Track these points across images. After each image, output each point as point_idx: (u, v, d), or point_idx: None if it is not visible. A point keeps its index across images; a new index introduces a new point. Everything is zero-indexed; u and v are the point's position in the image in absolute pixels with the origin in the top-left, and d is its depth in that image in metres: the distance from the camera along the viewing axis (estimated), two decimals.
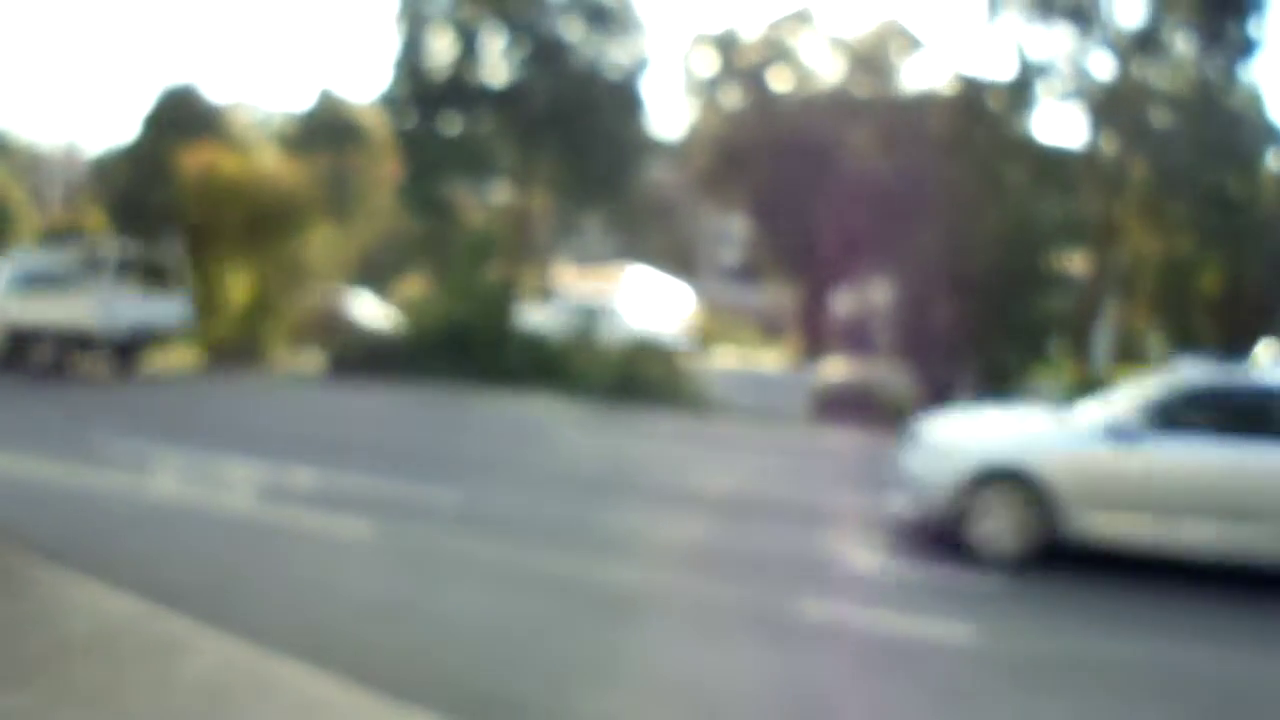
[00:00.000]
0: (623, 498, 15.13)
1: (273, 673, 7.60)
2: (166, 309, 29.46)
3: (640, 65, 40.14)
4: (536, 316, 34.60)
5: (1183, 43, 29.29)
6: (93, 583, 9.12)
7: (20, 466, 14.54)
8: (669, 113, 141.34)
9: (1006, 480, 12.51)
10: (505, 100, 38.47)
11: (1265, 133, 46.82)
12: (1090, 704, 8.32)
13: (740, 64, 55.92)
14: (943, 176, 37.82)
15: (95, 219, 52.49)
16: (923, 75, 53.91)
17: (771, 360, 46.19)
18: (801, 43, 56.24)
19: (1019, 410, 15.83)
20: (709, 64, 56.35)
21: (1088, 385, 24.38)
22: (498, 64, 39.02)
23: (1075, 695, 8.45)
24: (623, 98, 37.89)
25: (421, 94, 38.17)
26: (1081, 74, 29.85)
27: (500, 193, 44.42)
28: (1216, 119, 29.96)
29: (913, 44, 54.26)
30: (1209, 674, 9.14)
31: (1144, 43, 28.94)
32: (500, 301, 33.79)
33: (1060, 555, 12.14)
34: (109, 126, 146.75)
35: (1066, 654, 9.32)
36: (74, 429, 18.55)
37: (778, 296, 64.68)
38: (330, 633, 8.62)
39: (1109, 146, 30.85)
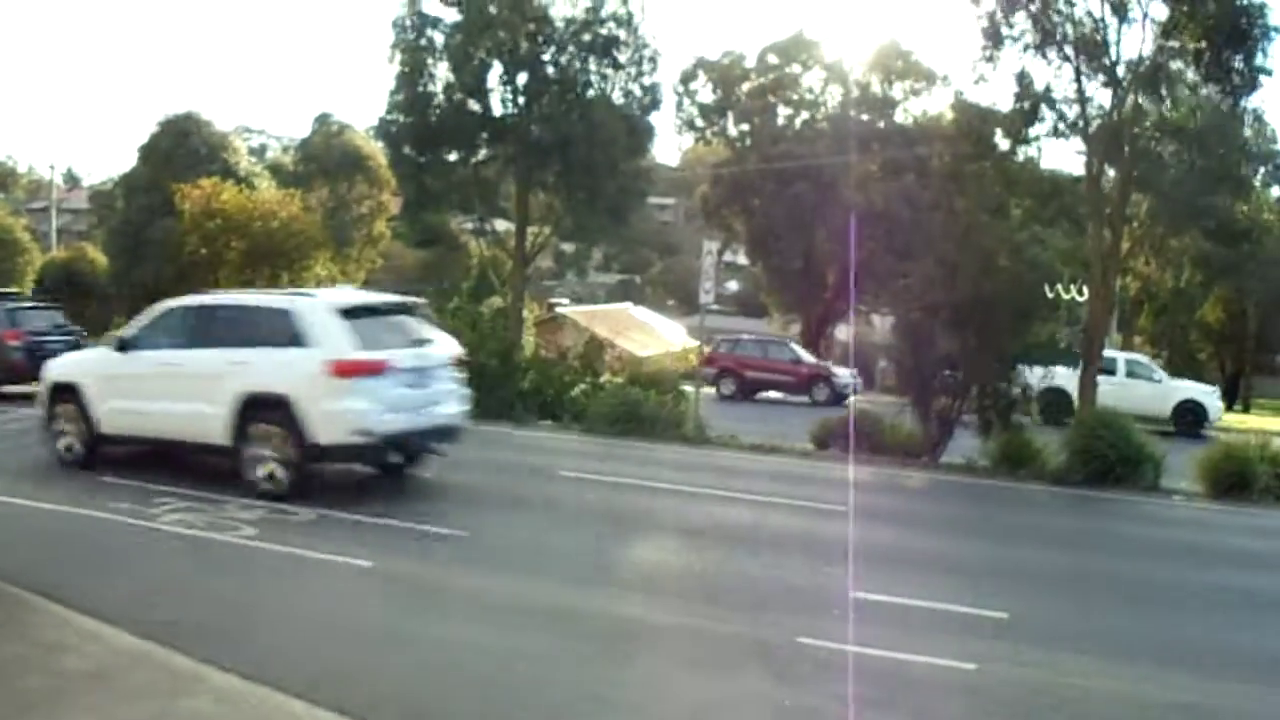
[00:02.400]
0: (622, 528, 15.09)
1: (272, 708, 7.58)
2: None
3: (646, 95, 40.21)
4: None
5: (1188, 74, 29.24)
6: (89, 621, 9.09)
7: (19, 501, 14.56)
8: (668, 142, 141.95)
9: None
10: (505, 130, 38.52)
11: (1270, 164, 46.86)
12: None
13: (739, 93, 56.03)
14: (944, 205, 37.86)
15: (95, 252, 52.60)
16: (924, 104, 54.14)
17: (773, 394, 46.04)
18: (801, 71, 56.36)
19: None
20: (707, 93, 56.43)
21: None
22: (498, 94, 39.10)
23: None
24: (626, 128, 37.91)
25: (419, 124, 38.17)
26: (1085, 104, 29.81)
27: (501, 225, 44.49)
28: (1221, 150, 29.90)
29: (914, 72, 54.42)
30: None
31: (1148, 74, 28.90)
32: (503, 333, 33.75)
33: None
34: (108, 156, 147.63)
35: (1069, 685, 9.28)
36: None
37: (780, 328, 64.77)
38: (331, 667, 8.59)
39: (1112, 178, 30.82)
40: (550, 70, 38.21)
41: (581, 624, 10.41)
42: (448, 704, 8.10)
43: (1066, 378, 34.47)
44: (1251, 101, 30.47)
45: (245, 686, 7.95)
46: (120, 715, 7.20)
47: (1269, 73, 29.37)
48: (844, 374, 41.20)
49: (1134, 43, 29.14)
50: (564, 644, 9.75)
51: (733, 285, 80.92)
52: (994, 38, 30.60)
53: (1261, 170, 44.11)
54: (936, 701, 8.72)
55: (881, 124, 54.23)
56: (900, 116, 54.85)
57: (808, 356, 44.31)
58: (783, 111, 56.26)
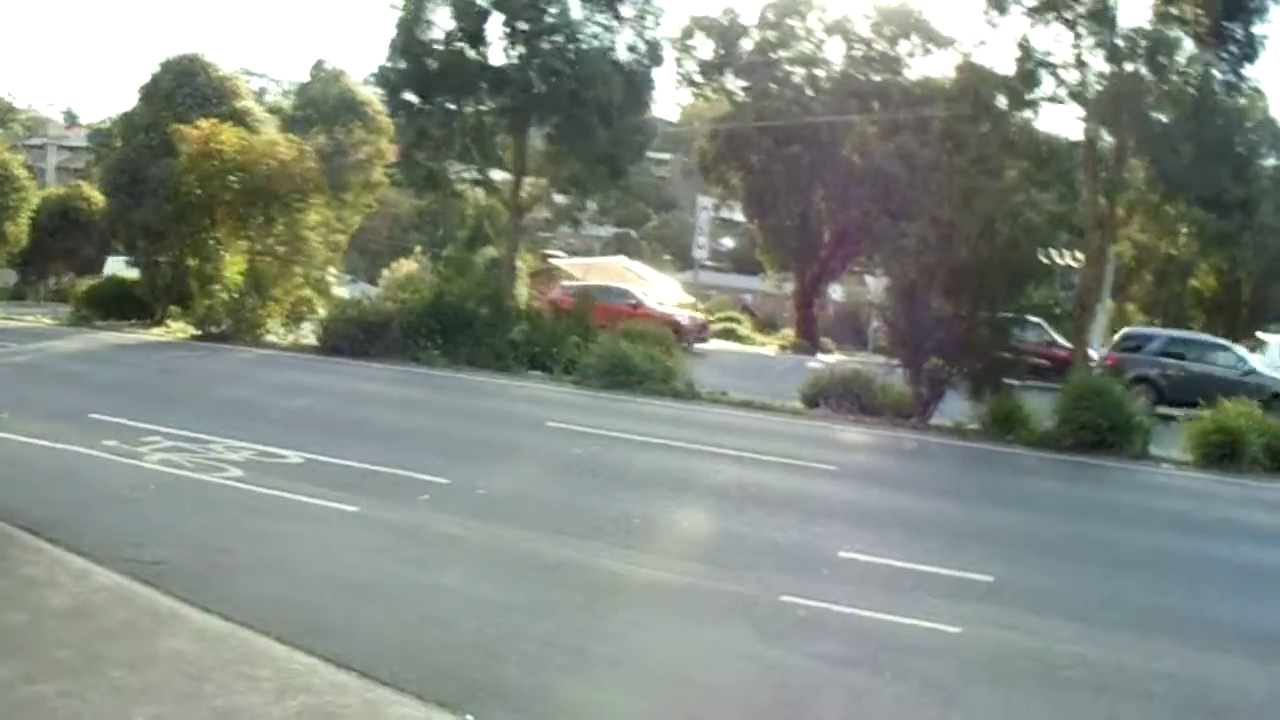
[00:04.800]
0: (606, 481, 15.11)
1: (252, 650, 7.57)
2: None
3: (649, 50, 39.94)
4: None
5: (1186, 43, 29.18)
6: (73, 558, 9.08)
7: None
8: (668, 97, 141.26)
9: None
10: (504, 79, 38.31)
11: (1266, 133, 46.75)
12: (1069, 698, 8.30)
13: (738, 50, 55.72)
14: (942, 165, 37.79)
15: (91, 190, 52.41)
16: (925, 64, 53.89)
17: (767, 351, 46.08)
18: (801, 28, 56.02)
19: None
20: (707, 49, 56.11)
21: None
22: (497, 42, 38.85)
23: (1055, 690, 8.43)
24: (625, 81, 37.69)
25: (418, 70, 37.96)
26: (1084, 71, 29.75)
27: (498, 174, 44.30)
28: (1217, 119, 29.85)
29: (920, 31, 54.11)
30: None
31: (1146, 42, 28.84)
32: (495, 281, 33.73)
33: None
34: (107, 96, 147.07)
35: (1052, 650, 9.27)
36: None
37: (775, 286, 64.72)
38: (313, 613, 8.59)
39: (1108, 143, 30.78)
40: (551, 20, 37.93)
41: (562, 575, 10.41)
42: (427, 653, 8.09)
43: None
44: (1249, 72, 30.36)
45: (227, 628, 7.94)
46: (101, 653, 7.19)
47: (1265, 43, 29.35)
48: (1090, 355, 39.04)
49: (1134, 10, 29.16)
50: (545, 594, 9.75)
51: (728, 242, 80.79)
52: (997, 3, 30.56)
53: (1252, 139, 44.07)
54: (920, 663, 8.71)
55: (882, 81, 53.94)
56: (904, 76, 54.55)
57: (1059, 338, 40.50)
58: (783, 68, 55.94)
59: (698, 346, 41.68)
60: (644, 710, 7.63)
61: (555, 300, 41.52)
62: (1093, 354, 38.23)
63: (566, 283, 47.85)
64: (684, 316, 44.27)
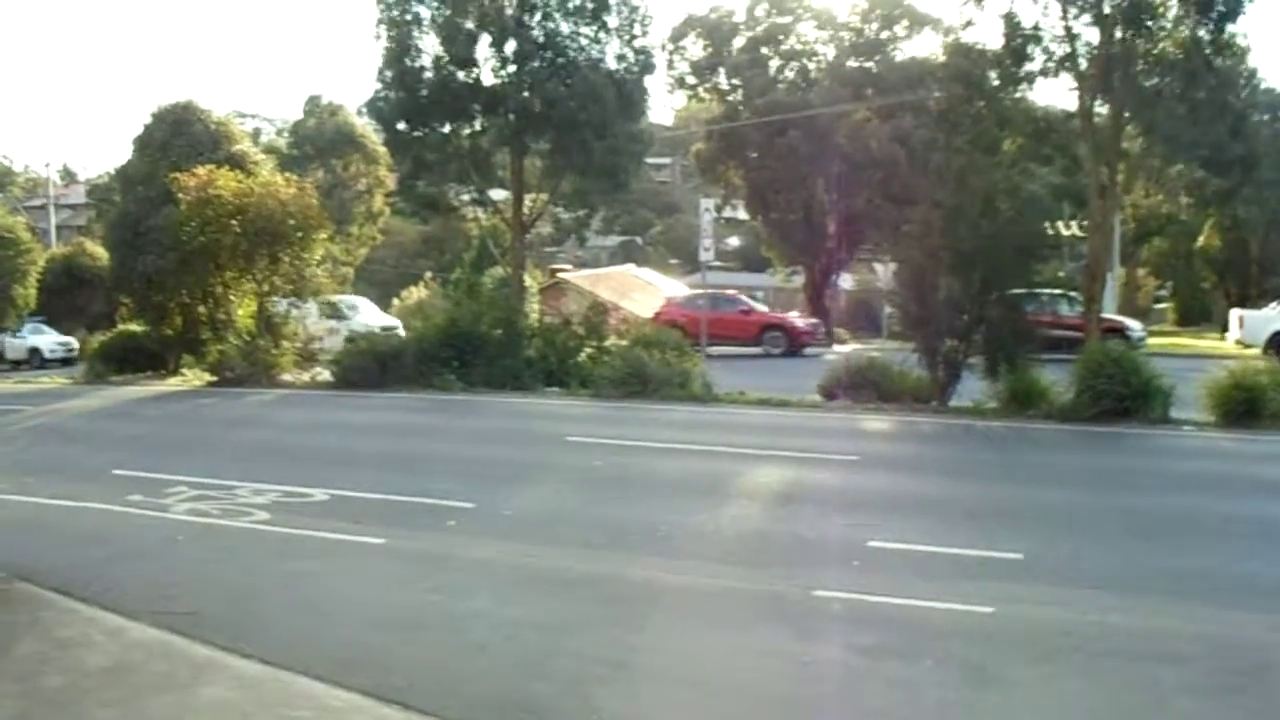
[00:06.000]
0: (631, 491, 15.13)
1: (291, 692, 7.59)
2: None
3: (638, 59, 39.94)
4: None
5: (1172, 4, 29.19)
6: (107, 615, 9.11)
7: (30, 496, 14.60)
8: (662, 101, 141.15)
9: None
10: (496, 100, 38.36)
11: (1256, 91, 46.85)
12: (1113, 696, 8.27)
13: (730, 47, 55.81)
14: (940, 145, 37.82)
15: (94, 246, 52.50)
16: (915, 46, 54.02)
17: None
18: (792, 22, 56.12)
19: None
20: (698, 50, 56.20)
21: None
22: (488, 64, 38.90)
23: (1091, 660, 8.41)
24: (617, 92, 37.69)
25: (410, 99, 38.02)
26: (1073, 42, 29.76)
27: (498, 194, 44.36)
28: (1208, 80, 29.84)
29: (907, 16, 54.20)
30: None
31: (1133, 7, 28.82)
32: (506, 302, 33.75)
33: None
34: (103, 151, 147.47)
35: (1087, 622, 9.25)
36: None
37: (783, 281, 64.81)
38: (349, 650, 8.61)
39: (1103, 112, 30.76)
40: (539, 36, 37.98)
41: (594, 589, 10.41)
42: (464, 679, 8.09)
43: None
44: (1238, 37, 30.37)
45: (265, 672, 7.97)
46: (141, 708, 7.22)
47: (1246, 3, 29.34)
48: (1135, 326, 39.07)
49: None
50: (578, 610, 9.75)
51: (734, 241, 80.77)
52: None
53: (1244, 97, 44.17)
54: (957, 646, 8.71)
55: (875, 68, 54.07)
56: (895, 60, 54.63)
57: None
58: (775, 63, 56.05)
59: (808, 350, 41.21)
60: (685, 718, 7.64)
61: (664, 315, 41.21)
62: (1130, 324, 38.15)
63: (673, 295, 47.72)
64: (798, 320, 44.19)
